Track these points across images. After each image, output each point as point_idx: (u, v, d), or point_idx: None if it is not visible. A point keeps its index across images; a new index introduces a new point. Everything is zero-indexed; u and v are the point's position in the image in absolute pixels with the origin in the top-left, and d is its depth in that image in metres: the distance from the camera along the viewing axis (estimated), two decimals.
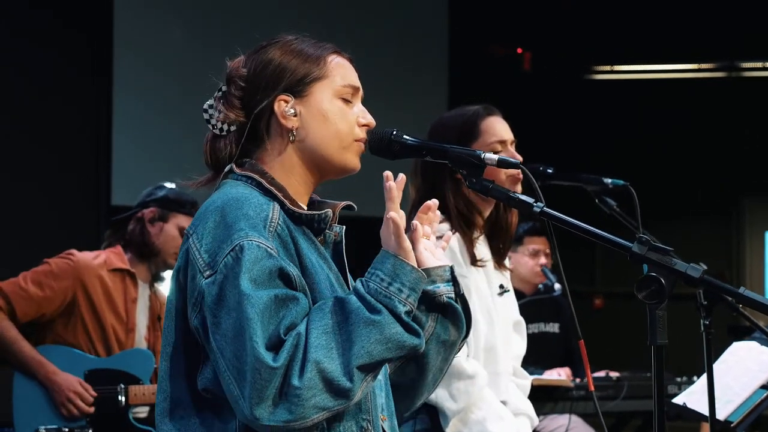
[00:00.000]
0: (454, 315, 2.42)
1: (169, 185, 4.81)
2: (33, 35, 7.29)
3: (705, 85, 10.88)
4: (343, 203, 2.46)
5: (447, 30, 9.49)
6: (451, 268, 2.43)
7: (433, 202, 2.45)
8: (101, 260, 4.68)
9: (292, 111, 2.39)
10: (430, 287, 2.38)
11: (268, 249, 2.20)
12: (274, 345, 2.14)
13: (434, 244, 2.45)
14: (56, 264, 4.61)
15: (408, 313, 2.20)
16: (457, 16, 9.55)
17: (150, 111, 7.75)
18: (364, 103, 2.46)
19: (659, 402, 2.33)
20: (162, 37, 7.88)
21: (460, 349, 2.49)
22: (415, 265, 2.24)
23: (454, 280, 2.42)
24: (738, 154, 10.79)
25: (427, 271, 2.37)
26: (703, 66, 10.88)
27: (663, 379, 2.34)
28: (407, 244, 2.24)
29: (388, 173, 2.28)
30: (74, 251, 4.69)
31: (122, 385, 4.58)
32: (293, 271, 2.23)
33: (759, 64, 10.74)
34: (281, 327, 2.16)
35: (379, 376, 2.37)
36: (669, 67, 10.88)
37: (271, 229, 2.24)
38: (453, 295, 2.41)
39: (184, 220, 4.70)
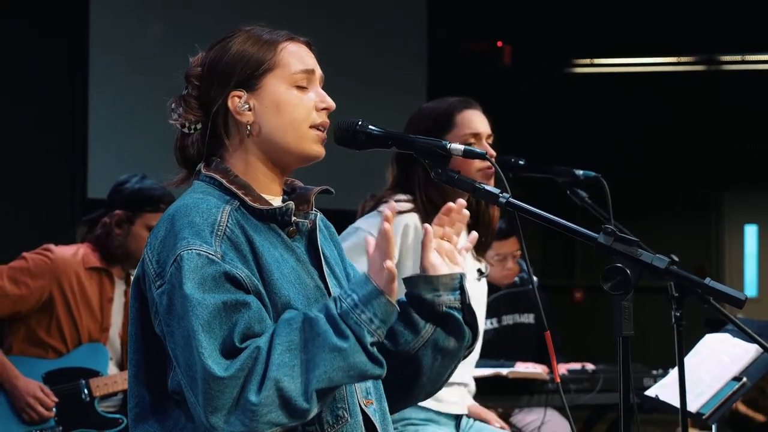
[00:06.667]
0: (455, 325, 2.41)
1: (134, 179, 4.70)
2: (8, 31, 7.25)
3: (684, 78, 10.90)
4: (318, 189, 2.45)
5: (425, 24, 9.47)
6: (461, 276, 2.40)
7: (459, 203, 2.42)
8: (79, 257, 4.62)
9: (246, 106, 2.37)
10: (430, 296, 2.37)
11: (210, 255, 2.19)
12: (227, 353, 2.14)
13: (455, 246, 2.42)
14: (33, 260, 4.54)
15: (374, 344, 2.18)
16: (436, 9, 9.54)
17: (126, 104, 7.72)
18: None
19: (625, 393, 2.33)
20: (139, 32, 7.84)
21: (465, 357, 2.49)
22: (394, 300, 2.20)
23: (461, 289, 2.40)
24: (717, 148, 10.81)
25: (431, 279, 2.36)
26: (682, 59, 10.90)
27: (629, 371, 2.33)
28: (395, 287, 2.20)
29: (388, 214, 2.22)
30: (52, 247, 4.61)
31: (82, 380, 4.55)
32: (241, 273, 2.21)
33: (738, 57, 10.76)
34: (235, 334, 2.15)
35: None
36: (648, 61, 10.90)
37: (218, 233, 2.23)
38: (457, 305, 2.40)
39: (151, 218, 4.58)
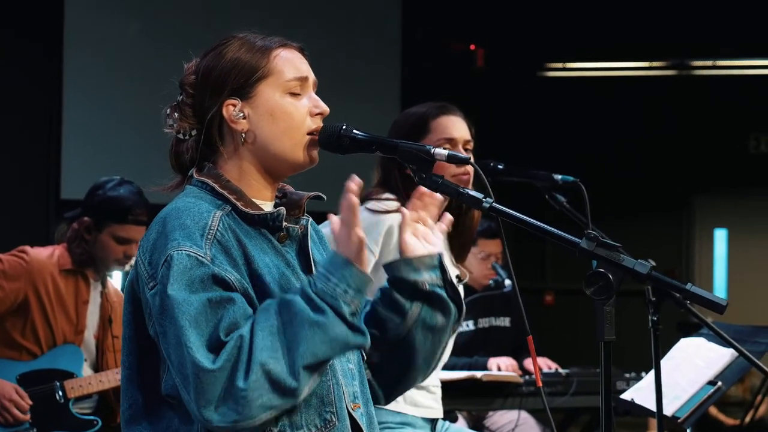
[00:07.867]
0: (439, 302, 2.44)
1: (110, 184, 4.65)
2: None
3: (656, 82, 10.95)
4: (310, 195, 2.47)
5: (399, 26, 9.49)
6: (440, 255, 2.44)
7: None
8: (55, 259, 4.59)
9: (241, 114, 2.39)
10: (412, 276, 2.41)
11: (199, 257, 2.21)
12: (214, 347, 2.16)
13: (430, 228, 2.46)
14: (8, 262, 4.52)
15: (352, 313, 2.21)
16: (410, 12, 9.55)
17: (100, 104, 7.71)
18: (318, 97, 2.45)
19: (606, 398, 2.34)
20: (113, 32, 7.82)
21: (454, 332, 2.53)
22: (365, 269, 2.24)
23: (441, 267, 2.44)
24: (688, 152, 10.87)
25: (410, 260, 2.40)
26: (654, 64, 10.96)
27: (610, 375, 2.35)
28: (365, 256, 2.24)
29: (353, 187, 2.24)
30: (27, 249, 4.58)
31: (57, 382, 4.53)
32: (231, 276, 2.23)
33: (709, 63, 10.82)
34: (220, 329, 2.18)
35: (351, 365, 2.41)
36: (620, 65, 10.95)
37: (209, 237, 2.25)
38: (439, 283, 2.43)
39: (117, 229, 4.57)
